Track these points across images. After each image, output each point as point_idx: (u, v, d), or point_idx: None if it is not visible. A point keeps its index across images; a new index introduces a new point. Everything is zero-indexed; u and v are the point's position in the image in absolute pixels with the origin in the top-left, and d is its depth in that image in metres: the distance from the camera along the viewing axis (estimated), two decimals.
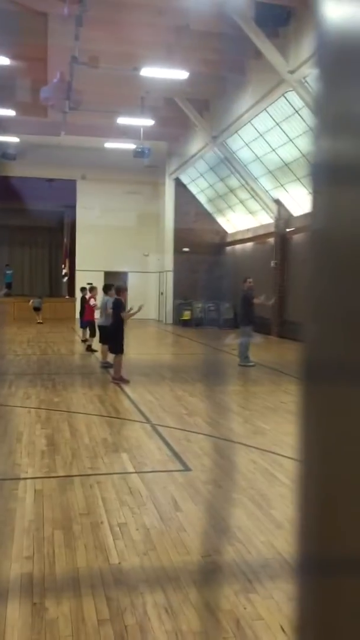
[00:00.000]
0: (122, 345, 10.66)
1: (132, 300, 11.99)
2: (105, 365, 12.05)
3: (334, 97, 0.65)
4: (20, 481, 5.43)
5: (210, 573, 3.79)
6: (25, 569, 3.76)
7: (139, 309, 10.81)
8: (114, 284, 12.26)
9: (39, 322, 23.44)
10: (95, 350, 14.23)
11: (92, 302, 14.84)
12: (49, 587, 3.55)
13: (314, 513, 0.68)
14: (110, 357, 11.27)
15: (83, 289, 16.39)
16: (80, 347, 15.99)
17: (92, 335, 14.78)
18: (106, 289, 12.28)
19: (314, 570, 0.68)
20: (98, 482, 5.40)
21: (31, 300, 24.08)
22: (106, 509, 4.77)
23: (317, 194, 0.67)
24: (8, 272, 28.90)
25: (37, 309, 23.88)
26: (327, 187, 0.66)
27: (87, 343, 15.22)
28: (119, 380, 10.58)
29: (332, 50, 0.65)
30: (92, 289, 15.22)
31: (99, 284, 16.32)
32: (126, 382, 10.57)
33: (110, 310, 11.24)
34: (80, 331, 16.98)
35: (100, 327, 12.55)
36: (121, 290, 11.16)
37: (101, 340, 12.49)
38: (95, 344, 13.83)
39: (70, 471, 5.76)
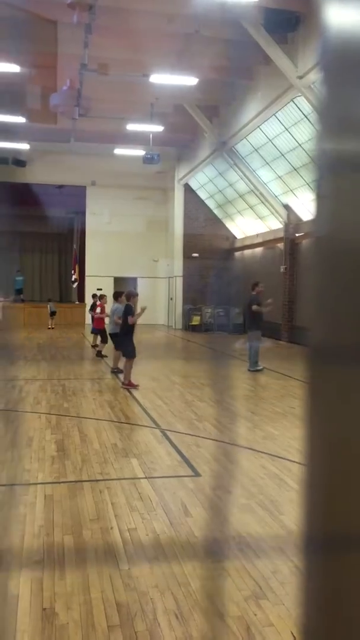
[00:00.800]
0: (133, 349, 10.69)
1: (142, 305, 11.96)
2: (115, 371, 12.07)
3: (338, 101, 0.66)
4: (30, 486, 5.44)
5: (220, 579, 3.78)
6: (36, 574, 3.77)
7: (142, 310, 10.82)
8: (124, 290, 12.26)
9: (49, 328, 23.55)
10: (105, 356, 14.25)
11: (97, 310, 14.88)
12: (59, 592, 3.55)
13: (319, 494, 0.68)
14: (121, 363, 11.31)
15: (94, 296, 16.44)
16: (90, 353, 16.02)
17: (104, 341, 14.81)
18: (116, 295, 12.32)
19: (320, 549, 0.68)
20: (108, 488, 5.41)
21: (49, 305, 24.35)
22: (116, 514, 4.77)
23: (320, 199, 0.67)
24: (19, 278, 29.02)
25: (53, 314, 24.07)
26: (330, 191, 0.66)
27: (97, 349, 15.25)
28: (129, 385, 10.59)
29: (336, 54, 0.66)
30: (102, 297, 15.26)
31: (109, 289, 16.37)
32: (135, 387, 10.58)
33: (118, 319, 11.29)
34: (90, 337, 17.01)
35: (111, 335, 12.56)
36: (131, 296, 11.19)
37: (116, 347, 12.50)
38: (107, 350, 13.89)
39: (80, 476, 5.76)
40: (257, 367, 12.70)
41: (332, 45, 0.67)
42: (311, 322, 0.70)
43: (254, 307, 12.82)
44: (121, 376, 11.16)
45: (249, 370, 12.69)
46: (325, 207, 0.68)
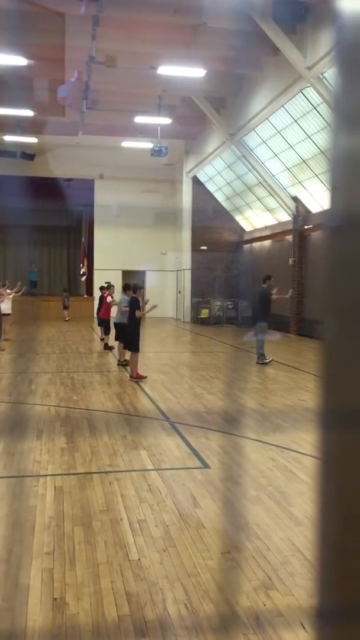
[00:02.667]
0: (137, 343, 10.72)
1: (150, 299, 11.98)
2: (124, 364, 12.10)
3: (352, 93, 0.65)
4: (40, 478, 5.48)
5: (230, 569, 3.80)
6: (46, 564, 3.80)
7: (152, 307, 10.88)
8: (132, 283, 12.36)
9: (66, 320, 23.83)
10: (112, 347, 14.31)
11: (109, 298, 14.91)
12: (69, 582, 3.58)
13: (334, 560, 0.67)
14: (128, 355, 11.36)
15: (102, 288, 16.47)
16: (98, 346, 16.06)
17: (107, 332, 14.89)
18: (125, 288, 12.37)
19: (334, 619, 0.67)
20: (117, 479, 5.43)
21: (64, 296, 24.65)
22: (125, 505, 4.79)
23: (335, 191, 0.67)
24: (34, 270, 29.14)
25: (65, 307, 24.28)
26: (345, 183, 0.65)
27: (104, 341, 15.33)
28: (137, 378, 10.62)
29: (351, 45, 0.65)
30: (110, 287, 15.31)
31: (117, 283, 16.38)
32: (144, 378, 10.62)
33: (125, 309, 11.36)
34: (98, 330, 17.06)
35: (115, 324, 12.65)
36: (137, 289, 11.21)
37: (117, 338, 12.67)
38: (111, 341, 13.97)
39: (90, 468, 5.79)
40: (265, 360, 12.69)
41: (346, 34, 0.66)
42: (324, 316, 0.69)
43: (274, 296, 12.90)
44: (129, 368, 11.19)
45: (257, 363, 12.68)
46: (339, 198, 0.67)
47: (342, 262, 0.66)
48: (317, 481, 0.67)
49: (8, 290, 15.75)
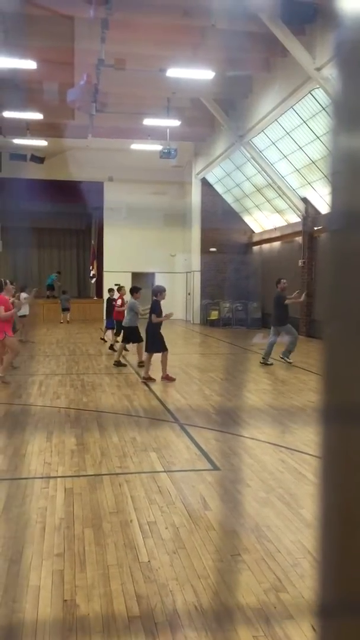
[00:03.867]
0: (164, 343, 10.89)
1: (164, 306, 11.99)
2: (142, 365, 12.11)
3: (354, 93, 0.65)
4: (50, 479, 5.49)
5: (240, 571, 3.79)
6: (57, 566, 3.81)
7: (167, 316, 10.87)
8: (140, 286, 12.64)
9: (61, 322, 23.80)
10: (114, 350, 14.41)
11: (118, 302, 14.93)
12: (79, 584, 3.59)
13: (335, 555, 0.67)
14: (144, 357, 11.49)
15: (111, 290, 16.50)
16: (107, 348, 16.05)
17: (118, 334, 14.92)
18: (132, 291, 12.46)
19: (337, 614, 0.67)
20: (127, 481, 5.44)
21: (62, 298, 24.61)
22: (135, 507, 4.80)
23: (336, 192, 0.67)
24: (54, 275, 29.32)
25: (66, 310, 24.26)
26: (346, 185, 0.65)
27: (110, 342, 15.45)
28: (167, 379, 10.83)
29: (351, 45, 0.65)
30: (120, 289, 15.33)
31: (127, 285, 16.39)
32: (172, 380, 10.82)
33: (145, 311, 11.56)
34: (109, 332, 17.06)
35: (124, 327, 12.67)
36: (158, 292, 11.08)
37: (124, 340, 12.74)
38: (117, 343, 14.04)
39: (100, 470, 5.80)
40: (267, 362, 12.77)
41: (348, 36, 0.66)
42: (326, 316, 0.70)
43: (288, 300, 12.90)
44: (143, 370, 11.23)
45: (266, 363, 12.72)
46: (339, 199, 0.67)
47: (344, 263, 0.66)
48: (319, 477, 0.68)
49: (24, 294, 15.80)
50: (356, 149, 0.64)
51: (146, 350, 11.19)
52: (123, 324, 12.84)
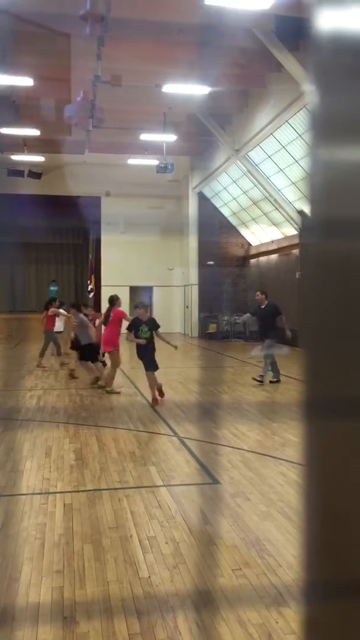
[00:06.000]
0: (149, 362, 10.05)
1: (157, 315, 11.95)
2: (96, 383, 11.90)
3: (329, 106, 0.67)
4: (49, 495, 5.46)
5: (241, 586, 3.76)
6: (56, 582, 3.78)
7: (172, 345, 10.50)
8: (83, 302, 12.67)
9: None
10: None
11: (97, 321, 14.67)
12: (79, 600, 3.56)
13: (319, 538, 0.68)
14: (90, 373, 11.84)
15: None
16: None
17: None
18: (75, 306, 12.54)
19: (321, 596, 0.68)
20: (127, 496, 5.41)
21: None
22: (135, 522, 4.77)
23: (314, 204, 0.68)
24: (53, 287, 29.22)
25: None
26: (323, 196, 0.67)
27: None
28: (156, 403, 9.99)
29: (325, 58, 0.67)
30: (116, 300, 15.37)
31: (125, 299, 16.40)
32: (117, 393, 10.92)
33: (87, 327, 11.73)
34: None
35: (84, 346, 12.10)
36: (139, 307, 10.41)
37: (84, 358, 12.17)
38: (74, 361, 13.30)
39: (99, 485, 5.77)
40: (262, 377, 12.15)
41: (320, 47, 0.68)
42: (304, 319, 0.71)
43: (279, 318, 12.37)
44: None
45: (270, 381, 12.32)
46: (318, 211, 0.68)
47: (322, 270, 0.67)
48: (302, 471, 0.69)
49: (62, 310, 15.82)
50: (332, 161, 0.66)
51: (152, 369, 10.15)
52: (83, 342, 12.07)
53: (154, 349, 10.12)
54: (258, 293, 13.11)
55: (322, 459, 0.67)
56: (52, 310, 15.42)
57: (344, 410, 0.65)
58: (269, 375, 12.32)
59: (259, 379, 12.11)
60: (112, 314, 11.14)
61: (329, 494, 0.67)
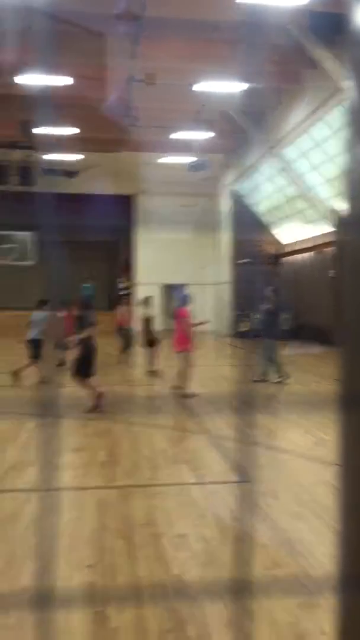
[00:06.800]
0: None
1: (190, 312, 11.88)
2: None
3: None
4: (82, 491, 5.53)
5: (272, 585, 3.75)
6: (88, 577, 3.82)
7: (201, 323, 10.61)
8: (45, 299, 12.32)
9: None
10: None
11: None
12: (111, 596, 3.59)
13: (355, 531, 0.68)
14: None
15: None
16: (138, 359, 16.00)
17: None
18: (40, 304, 12.20)
19: (356, 588, 0.68)
20: (158, 493, 5.44)
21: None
22: (166, 520, 4.79)
23: (352, 201, 0.68)
24: (86, 285, 29.50)
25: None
26: None
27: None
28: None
29: None
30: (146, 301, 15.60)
31: (158, 297, 16.45)
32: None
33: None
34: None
35: (32, 340, 11.80)
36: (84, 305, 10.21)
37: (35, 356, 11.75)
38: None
39: (131, 482, 5.81)
40: (279, 379, 11.90)
41: None
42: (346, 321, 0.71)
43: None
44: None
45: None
46: (357, 208, 0.68)
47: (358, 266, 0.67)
48: (339, 462, 0.69)
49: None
50: None
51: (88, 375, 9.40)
52: (31, 336, 11.78)
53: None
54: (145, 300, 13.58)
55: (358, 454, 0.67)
56: (123, 308, 15.65)
57: None
58: (272, 375, 12.08)
59: (279, 379, 11.90)
60: (177, 314, 10.76)
61: None
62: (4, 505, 5.13)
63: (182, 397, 10.24)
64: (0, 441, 7.41)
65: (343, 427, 0.69)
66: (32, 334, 11.80)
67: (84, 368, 9.32)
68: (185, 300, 10.95)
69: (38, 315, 11.94)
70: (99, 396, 9.25)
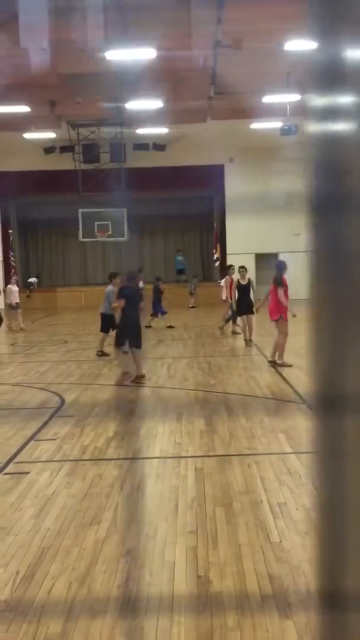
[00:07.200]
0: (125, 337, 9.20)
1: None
2: (100, 354, 11.89)
3: None
4: (181, 459, 5.65)
5: None
6: (190, 542, 3.93)
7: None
8: (117, 272, 12.05)
9: (191, 307, 24.01)
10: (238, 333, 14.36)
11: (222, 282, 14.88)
12: (212, 561, 3.68)
13: (332, 549, 0.65)
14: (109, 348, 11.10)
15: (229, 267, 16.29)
16: (228, 329, 15.93)
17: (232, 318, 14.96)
18: (111, 277, 12.08)
19: (337, 605, 0.66)
20: (256, 462, 5.46)
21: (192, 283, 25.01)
22: (265, 488, 4.81)
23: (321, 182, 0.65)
24: (179, 257, 29.86)
25: (191, 294, 24.56)
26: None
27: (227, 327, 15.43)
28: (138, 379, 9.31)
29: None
30: (229, 268, 15.48)
31: (251, 266, 16.31)
32: (143, 381, 9.39)
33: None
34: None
35: (103, 315, 11.86)
36: (134, 277, 10.12)
37: (103, 329, 11.85)
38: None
39: (229, 451, 5.87)
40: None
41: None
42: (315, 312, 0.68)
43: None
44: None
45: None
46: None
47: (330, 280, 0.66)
48: (313, 467, 0.66)
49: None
50: None
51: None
52: (101, 310, 11.97)
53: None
54: (240, 269, 13.58)
55: (331, 455, 0.64)
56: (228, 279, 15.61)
57: None
58: None
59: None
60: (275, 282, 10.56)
61: (341, 494, 0.64)
62: (108, 474, 5.34)
63: (278, 365, 10.19)
64: (102, 413, 7.70)
65: (318, 433, 0.64)
66: (103, 307, 12.05)
67: (120, 338, 9.32)
68: (281, 268, 10.81)
69: (109, 289, 11.99)
70: (124, 374, 9.26)
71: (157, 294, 16.86)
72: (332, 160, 0.66)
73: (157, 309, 16.79)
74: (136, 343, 9.21)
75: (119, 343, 9.35)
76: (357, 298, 0.63)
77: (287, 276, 10.79)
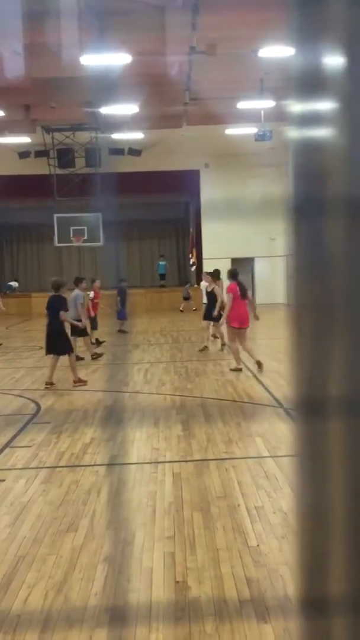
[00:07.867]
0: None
1: (259, 285, 11.79)
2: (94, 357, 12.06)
3: None
4: (159, 464, 5.63)
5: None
6: (168, 548, 3.91)
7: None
8: (81, 277, 12.28)
9: (181, 310, 24.15)
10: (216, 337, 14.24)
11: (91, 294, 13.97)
12: (190, 566, 3.66)
13: (311, 555, 0.66)
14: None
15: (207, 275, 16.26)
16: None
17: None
18: (76, 281, 12.10)
19: (315, 611, 0.66)
20: (233, 466, 5.47)
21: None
22: (242, 492, 4.82)
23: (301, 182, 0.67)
24: (161, 262, 29.88)
25: (186, 299, 24.64)
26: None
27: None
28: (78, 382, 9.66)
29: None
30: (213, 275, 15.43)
31: (226, 271, 16.27)
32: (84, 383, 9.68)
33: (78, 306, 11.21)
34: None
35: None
36: (60, 286, 9.97)
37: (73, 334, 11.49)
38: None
39: (206, 455, 5.87)
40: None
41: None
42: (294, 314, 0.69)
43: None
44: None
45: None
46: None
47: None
48: (294, 471, 0.66)
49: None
50: None
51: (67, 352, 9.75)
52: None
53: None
54: (205, 274, 13.31)
55: (311, 460, 0.64)
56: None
57: None
58: None
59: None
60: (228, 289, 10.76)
61: (321, 500, 0.64)
62: (85, 480, 5.30)
63: (235, 370, 10.26)
64: (78, 419, 7.64)
65: (298, 436, 0.64)
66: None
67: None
68: (234, 275, 10.99)
69: (74, 294, 11.72)
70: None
71: (122, 296, 16.58)
72: (311, 165, 0.67)
73: (122, 313, 16.47)
74: (57, 350, 9.62)
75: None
76: (335, 301, 0.63)
77: (264, 280, 10.87)
